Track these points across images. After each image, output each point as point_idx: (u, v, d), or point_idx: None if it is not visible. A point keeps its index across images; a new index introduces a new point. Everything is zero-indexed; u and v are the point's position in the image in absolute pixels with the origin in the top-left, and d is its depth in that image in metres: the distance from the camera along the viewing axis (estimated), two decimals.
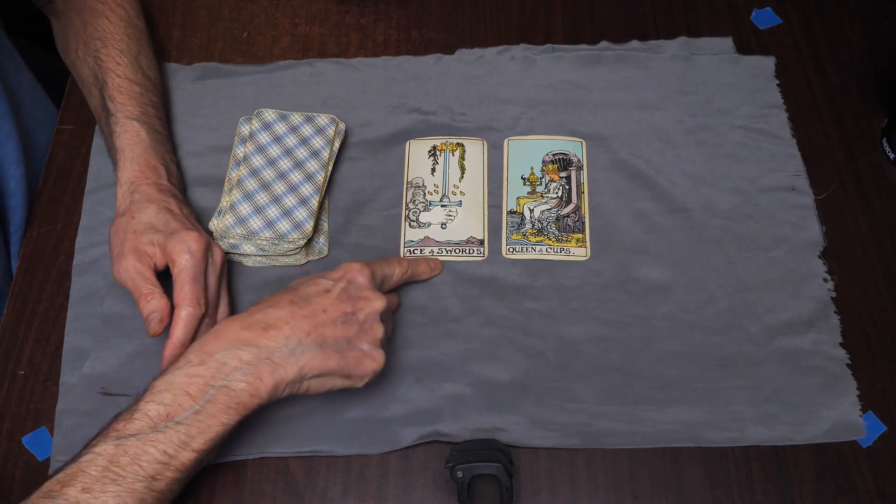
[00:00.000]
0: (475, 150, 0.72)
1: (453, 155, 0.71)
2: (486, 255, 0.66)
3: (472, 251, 0.67)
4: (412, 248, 0.67)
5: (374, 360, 0.54)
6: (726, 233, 0.67)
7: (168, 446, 0.48)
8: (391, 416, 0.60)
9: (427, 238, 0.67)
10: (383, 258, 0.62)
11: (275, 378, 0.51)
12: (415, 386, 0.61)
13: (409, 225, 0.68)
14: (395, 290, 0.64)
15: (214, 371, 0.50)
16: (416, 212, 0.68)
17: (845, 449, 0.59)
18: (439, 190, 0.70)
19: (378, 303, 0.56)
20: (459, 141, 0.72)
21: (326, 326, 0.53)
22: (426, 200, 0.69)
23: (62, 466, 0.48)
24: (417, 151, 0.72)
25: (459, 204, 0.69)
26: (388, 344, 0.59)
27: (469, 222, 0.68)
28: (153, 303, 0.57)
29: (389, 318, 0.59)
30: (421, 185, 0.70)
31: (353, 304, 0.55)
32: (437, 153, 0.71)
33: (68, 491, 0.46)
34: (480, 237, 0.67)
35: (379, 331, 0.55)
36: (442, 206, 0.69)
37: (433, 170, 0.71)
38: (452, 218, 0.68)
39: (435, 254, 0.66)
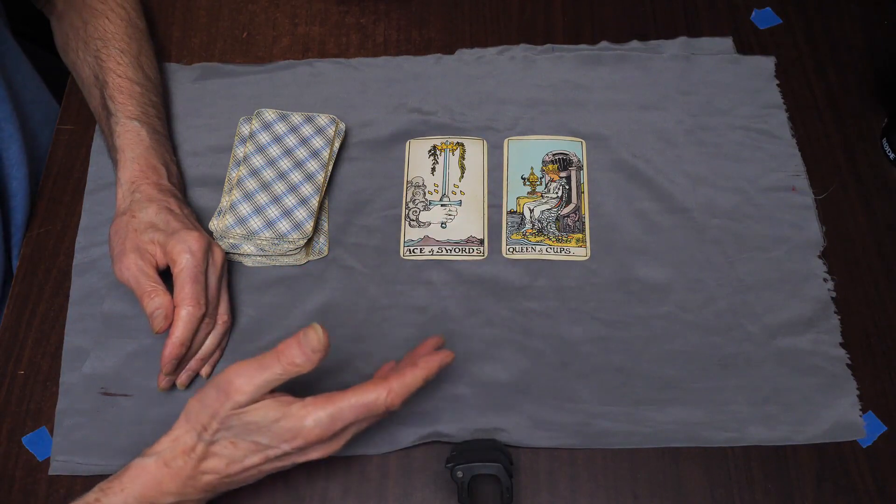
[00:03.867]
0: (475, 150, 0.71)
1: (453, 154, 0.71)
2: (485, 254, 0.66)
3: (471, 251, 0.66)
4: (412, 248, 0.67)
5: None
6: (726, 233, 0.67)
7: None
8: (391, 416, 0.60)
9: (427, 237, 0.67)
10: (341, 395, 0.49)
11: None
12: None
13: (409, 224, 0.68)
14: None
15: None
16: (416, 211, 0.68)
17: (845, 449, 0.59)
18: (439, 189, 0.70)
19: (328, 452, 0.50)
20: (459, 141, 0.72)
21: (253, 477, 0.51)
22: (426, 200, 0.69)
23: None
24: (417, 151, 0.72)
25: (459, 203, 0.69)
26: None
27: (469, 222, 0.68)
28: (156, 300, 0.57)
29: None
30: (421, 184, 0.70)
31: (298, 457, 0.50)
32: (437, 153, 0.71)
33: None
34: (480, 237, 0.67)
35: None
36: (442, 205, 0.69)
37: (433, 169, 0.71)
38: (452, 217, 0.68)
39: (434, 253, 0.66)
